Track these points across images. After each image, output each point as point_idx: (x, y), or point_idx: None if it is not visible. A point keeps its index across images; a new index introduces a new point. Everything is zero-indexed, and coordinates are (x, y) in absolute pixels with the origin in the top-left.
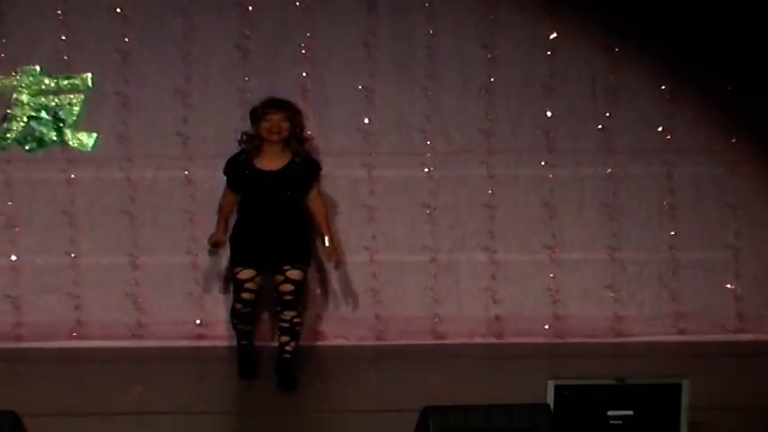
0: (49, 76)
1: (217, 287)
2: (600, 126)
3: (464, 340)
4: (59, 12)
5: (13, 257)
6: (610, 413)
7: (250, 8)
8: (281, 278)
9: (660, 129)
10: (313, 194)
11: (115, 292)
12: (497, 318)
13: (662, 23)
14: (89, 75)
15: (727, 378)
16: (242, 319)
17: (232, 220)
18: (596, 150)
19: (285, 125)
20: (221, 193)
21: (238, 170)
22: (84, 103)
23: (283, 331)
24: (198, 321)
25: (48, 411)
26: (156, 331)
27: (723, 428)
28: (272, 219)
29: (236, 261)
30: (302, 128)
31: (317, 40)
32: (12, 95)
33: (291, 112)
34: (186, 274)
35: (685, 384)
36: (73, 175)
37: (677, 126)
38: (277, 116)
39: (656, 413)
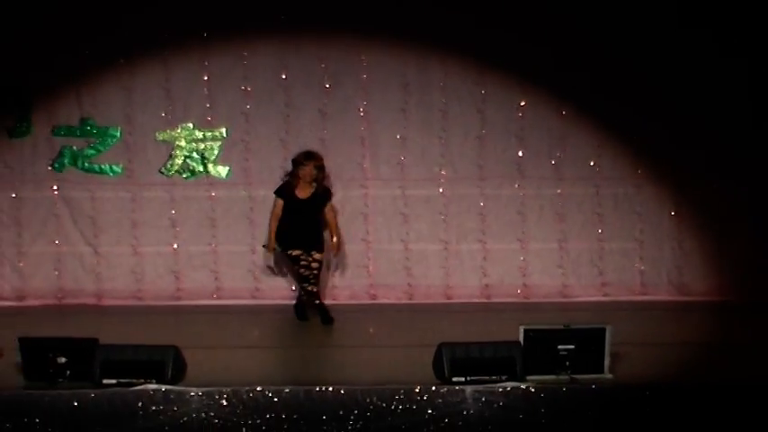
0: (199, 129)
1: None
2: (553, 161)
3: (465, 300)
4: (205, 89)
5: (175, 245)
6: (559, 347)
7: (327, 86)
8: (310, 258)
9: (592, 163)
10: (327, 209)
11: (240, 268)
12: (487, 286)
13: (600, 93)
14: (224, 128)
15: (634, 325)
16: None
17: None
18: (551, 177)
19: (314, 171)
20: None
21: (284, 195)
22: (221, 147)
23: (312, 294)
24: (293, 288)
25: (196, 346)
26: (269, 294)
27: (631, 356)
28: (303, 224)
29: (285, 247)
30: (323, 170)
31: (370, 105)
32: (174, 142)
33: (319, 161)
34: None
35: (609, 329)
36: (213, 194)
37: (603, 162)
38: (309, 165)
39: (590, 347)
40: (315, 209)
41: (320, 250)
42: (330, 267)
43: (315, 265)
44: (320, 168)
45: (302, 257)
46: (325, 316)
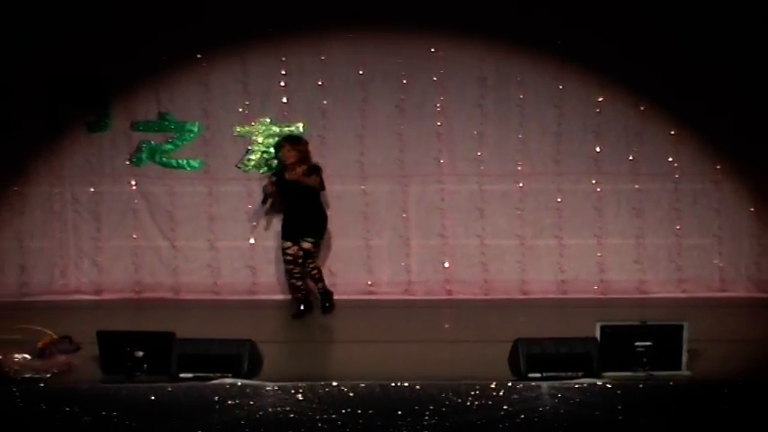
0: (276, 124)
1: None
2: (630, 157)
3: (542, 296)
4: (283, 85)
5: (252, 240)
6: (636, 344)
7: (404, 81)
8: (297, 247)
9: (670, 158)
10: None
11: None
12: (563, 281)
13: (678, 89)
14: (300, 124)
15: (712, 321)
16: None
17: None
18: (629, 173)
19: (292, 152)
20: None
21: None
22: None
23: (296, 289)
24: (369, 282)
25: (272, 340)
26: (344, 289)
27: (709, 353)
28: (295, 209)
29: (282, 236)
30: (303, 152)
31: (447, 102)
32: (252, 137)
33: (297, 144)
34: (361, 252)
35: (686, 325)
36: None
37: (681, 157)
38: (285, 147)
39: (667, 344)
40: (302, 189)
41: (311, 238)
42: (406, 262)
43: (300, 253)
44: (299, 151)
45: (289, 249)
46: (325, 305)
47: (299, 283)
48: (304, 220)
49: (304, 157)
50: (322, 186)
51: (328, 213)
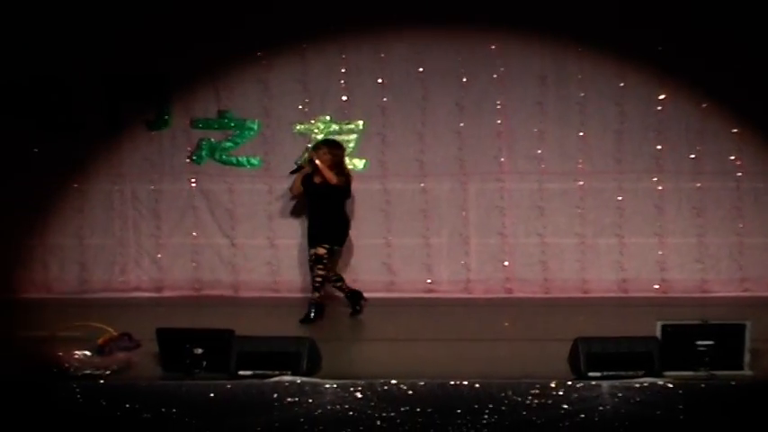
0: (336, 122)
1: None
2: (692, 155)
3: (602, 294)
4: (343, 82)
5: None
6: (698, 343)
7: (464, 79)
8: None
9: (732, 157)
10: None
11: (374, 260)
12: (624, 280)
13: (741, 88)
14: (361, 121)
15: None
16: None
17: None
18: (690, 171)
19: (327, 156)
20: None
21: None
22: (358, 140)
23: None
24: (429, 280)
25: (331, 338)
26: (402, 287)
27: None
28: (320, 213)
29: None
30: (338, 157)
31: (507, 100)
32: (311, 135)
33: (334, 148)
34: (421, 251)
35: (748, 325)
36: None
37: (743, 156)
38: (322, 149)
39: (729, 344)
40: (329, 194)
41: (327, 244)
42: (466, 260)
43: (312, 257)
44: (334, 156)
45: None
46: (356, 307)
47: (321, 288)
48: (326, 225)
49: (339, 162)
50: (349, 194)
51: (388, 211)
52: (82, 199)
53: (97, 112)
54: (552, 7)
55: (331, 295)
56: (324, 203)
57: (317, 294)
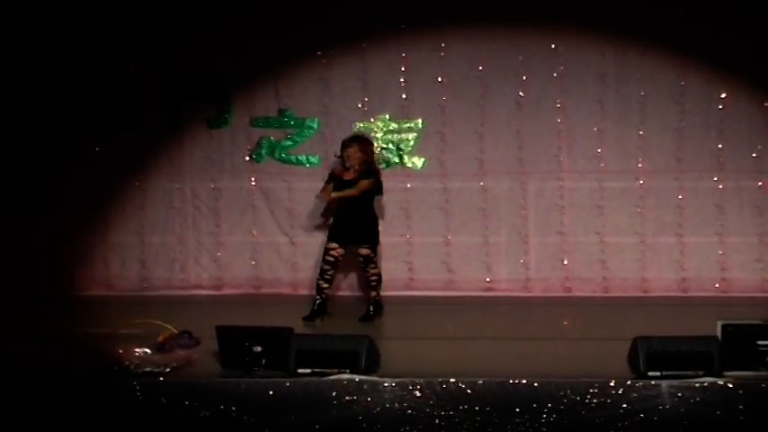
0: (395, 121)
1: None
2: (754, 154)
3: (662, 294)
4: (402, 81)
5: None
6: (759, 343)
7: (524, 77)
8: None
9: None
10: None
11: (434, 259)
12: (684, 279)
13: None
14: (420, 120)
15: None
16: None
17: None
18: (751, 170)
19: (358, 154)
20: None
21: (332, 177)
22: (417, 139)
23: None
24: (487, 279)
25: (389, 336)
26: (462, 285)
27: None
28: (349, 211)
29: (328, 238)
30: (372, 154)
31: (567, 98)
32: (371, 133)
33: (364, 144)
34: (479, 249)
35: None
36: (408, 185)
37: None
38: (353, 147)
39: None
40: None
41: (368, 244)
42: (525, 259)
43: (359, 259)
44: (366, 152)
45: (334, 251)
46: (369, 313)
47: (326, 285)
48: (358, 224)
49: (369, 158)
50: (380, 190)
51: (447, 210)
52: (143, 197)
53: (159, 111)
54: (613, 5)
55: (388, 293)
56: (356, 202)
57: (374, 293)
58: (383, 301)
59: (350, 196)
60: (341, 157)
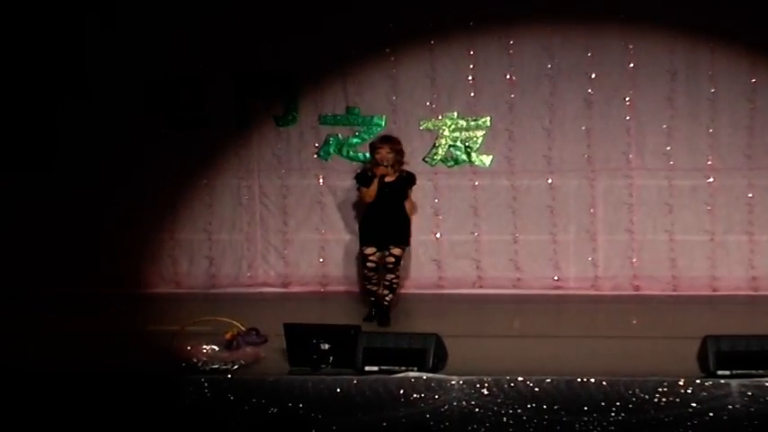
0: (463, 119)
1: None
2: None
3: (732, 292)
4: (470, 78)
5: (438, 234)
6: None
7: (593, 75)
8: (384, 253)
9: None
10: (408, 197)
11: (502, 257)
12: (754, 278)
13: None
14: (488, 117)
15: None
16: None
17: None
18: None
19: (390, 155)
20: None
21: (365, 181)
22: (485, 136)
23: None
24: (556, 277)
25: (458, 334)
26: (529, 283)
27: None
28: (384, 213)
29: (361, 241)
30: (401, 154)
31: (636, 95)
32: (438, 131)
33: (395, 145)
34: (548, 247)
35: None
36: (476, 183)
37: None
38: (384, 148)
39: None
40: (398, 193)
41: (399, 244)
42: (593, 257)
43: (391, 259)
44: (398, 152)
45: (372, 256)
46: (383, 317)
47: (375, 288)
48: (391, 225)
49: (401, 159)
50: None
51: (515, 208)
52: (211, 194)
53: (227, 109)
54: (684, 2)
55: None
56: (388, 203)
57: (391, 296)
58: (449, 299)
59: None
60: (372, 159)
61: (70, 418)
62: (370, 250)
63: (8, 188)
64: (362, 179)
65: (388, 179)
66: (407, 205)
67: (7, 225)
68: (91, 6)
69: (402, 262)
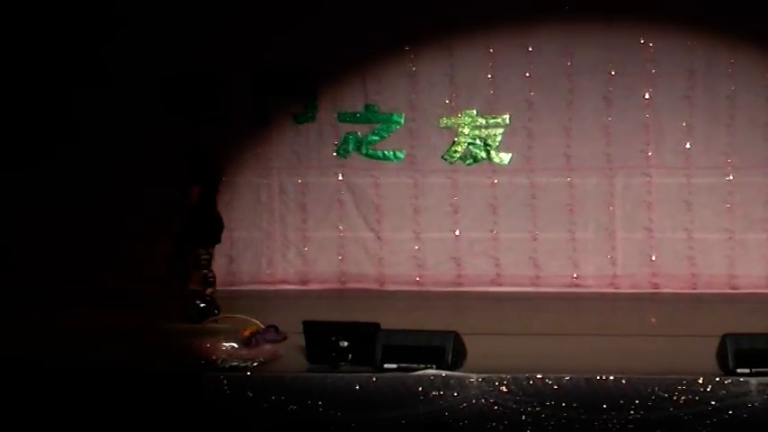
0: (482, 116)
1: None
2: None
3: (751, 290)
4: (489, 76)
5: (456, 232)
6: None
7: (612, 72)
8: None
9: None
10: None
11: (521, 255)
12: None
13: None
14: (507, 115)
15: None
16: None
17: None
18: None
19: None
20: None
21: None
22: (503, 134)
23: None
24: (575, 275)
25: (476, 332)
26: (548, 281)
27: None
28: None
29: None
30: None
31: (655, 93)
32: (457, 129)
33: None
34: (566, 245)
35: None
36: (495, 181)
37: None
38: None
39: None
40: None
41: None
42: (612, 255)
43: None
44: None
45: None
46: None
47: None
48: None
49: None
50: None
51: (534, 205)
52: (230, 192)
53: (246, 107)
54: (703, 1)
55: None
56: None
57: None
58: (468, 296)
59: None
60: None
61: (89, 415)
62: None
63: (24, 185)
64: None
65: None
66: None
67: (23, 222)
68: (110, 5)
69: None
